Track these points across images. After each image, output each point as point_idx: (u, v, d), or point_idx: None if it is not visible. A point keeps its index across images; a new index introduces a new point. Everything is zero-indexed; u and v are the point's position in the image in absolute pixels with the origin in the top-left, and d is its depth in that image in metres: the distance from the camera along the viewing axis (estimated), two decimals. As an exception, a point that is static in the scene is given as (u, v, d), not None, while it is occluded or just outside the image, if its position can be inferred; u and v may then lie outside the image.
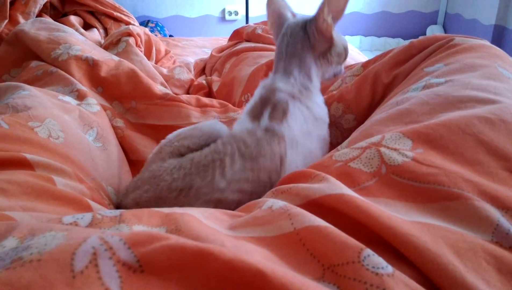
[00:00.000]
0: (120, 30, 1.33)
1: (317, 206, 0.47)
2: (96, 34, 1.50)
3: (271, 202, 0.48)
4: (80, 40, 1.14)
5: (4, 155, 0.60)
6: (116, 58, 1.11)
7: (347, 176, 0.51)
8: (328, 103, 0.83)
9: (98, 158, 0.80)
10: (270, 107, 0.71)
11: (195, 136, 0.73)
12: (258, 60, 1.23)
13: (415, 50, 0.75)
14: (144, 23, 3.13)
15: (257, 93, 0.76)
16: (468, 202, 0.43)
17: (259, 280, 0.31)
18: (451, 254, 0.37)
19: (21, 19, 1.39)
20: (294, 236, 0.40)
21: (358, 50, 1.90)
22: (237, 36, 1.56)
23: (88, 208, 0.59)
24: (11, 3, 1.45)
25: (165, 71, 1.30)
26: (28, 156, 0.62)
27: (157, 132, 0.92)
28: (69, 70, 1.00)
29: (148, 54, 1.42)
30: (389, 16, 3.45)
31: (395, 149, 0.51)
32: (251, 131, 0.69)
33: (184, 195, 0.63)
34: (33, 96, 0.81)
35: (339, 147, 0.62)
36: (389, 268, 0.35)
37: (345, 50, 0.79)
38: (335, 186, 0.47)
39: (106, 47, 1.30)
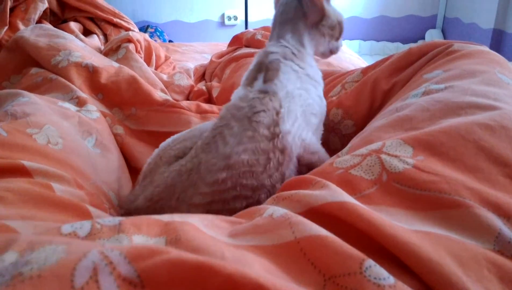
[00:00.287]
0: (120, 37, 1.33)
1: (319, 213, 0.46)
2: (96, 40, 1.51)
3: (272, 210, 0.48)
4: (80, 47, 1.14)
5: (2, 163, 0.60)
6: (116, 64, 1.11)
7: (348, 183, 0.51)
8: (327, 109, 0.83)
9: (98, 163, 0.80)
10: (264, 71, 0.74)
11: (196, 136, 0.73)
12: (257, 66, 1.23)
13: (414, 56, 0.75)
14: (143, 28, 3.14)
15: (253, 61, 0.79)
16: (470, 210, 0.43)
17: (259, 294, 0.30)
18: (453, 263, 0.37)
19: (21, 26, 1.40)
20: (295, 245, 0.40)
21: (357, 55, 1.90)
22: (237, 41, 1.56)
23: (87, 214, 0.58)
24: (11, 10, 1.46)
25: (165, 77, 1.30)
26: (26, 163, 0.62)
27: (157, 139, 0.92)
28: (69, 76, 1.00)
29: (148, 60, 1.42)
30: (388, 21, 3.47)
31: (396, 156, 0.51)
32: (243, 96, 0.71)
33: (195, 172, 0.65)
34: (32, 103, 0.81)
35: (339, 153, 0.62)
36: (391, 279, 0.34)
37: (339, 24, 0.81)
38: (336, 194, 0.47)
39: (106, 54, 1.30)
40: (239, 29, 3.32)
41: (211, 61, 1.50)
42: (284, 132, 0.67)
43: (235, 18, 3.38)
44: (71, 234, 0.40)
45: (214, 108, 1.05)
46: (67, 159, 0.71)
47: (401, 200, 0.47)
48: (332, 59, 1.52)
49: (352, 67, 1.49)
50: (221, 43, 2.10)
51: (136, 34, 1.38)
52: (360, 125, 0.75)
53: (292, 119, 0.69)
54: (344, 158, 0.55)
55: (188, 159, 0.67)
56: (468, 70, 0.65)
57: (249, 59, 1.31)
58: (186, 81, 1.31)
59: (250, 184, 0.64)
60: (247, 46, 1.48)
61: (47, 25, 1.34)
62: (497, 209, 0.43)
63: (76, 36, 1.40)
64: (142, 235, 0.41)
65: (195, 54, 1.93)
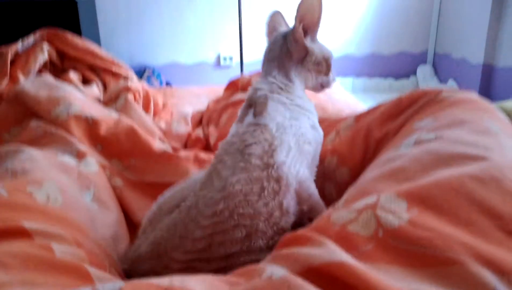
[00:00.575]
0: (119, 87, 1.37)
1: (317, 273, 0.47)
2: (94, 89, 1.54)
3: (271, 271, 0.48)
4: (80, 98, 1.17)
5: (3, 226, 0.61)
6: (115, 115, 1.13)
7: (345, 240, 0.52)
8: (322, 157, 0.85)
9: (96, 218, 0.81)
10: (253, 106, 0.78)
11: (196, 180, 0.75)
12: (253, 111, 1.25)
13: (404, 105, 0.77)
14: (141, 71, 3.20)
15: (245, 98, 0.83)
16: (464, 267, 0.43)
17: None
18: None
19: (21, 77, 1.43)
20: (295, 310, 0.40)
21: (352, 96, 1.94)
22: (233, 86, 1.60)
23: (87, 276, 0.59)
24: (12, 61, 1.49)
25: (163, 125, 1.32)
26: (27, 224, 0.63)
27: (156, 190, 0.93)
28: (69, 129, 1.03)
29: (146, 108, 1.45)
30: (380, 58, 3.56)
31: (390, 211, 0.52)
32: (235, 132, 0.75)
33: (194, 208, 0.68)
34: (32, 159, 0.83)
35: (335, 204, 0.63)
36: None
37: (325, 60, 0.85)
38: (334, 253, 0.48)
39: (106, 103, 1.33)
40: (235, 69, 3.39)
41: (208, 107, 1.53)
42: (278, 163, 0.69)
43: (231, 59, 3.46)
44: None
45: (212, 157, 1.06)
46: (66, 216, 0.72)
47: (398, 257, 0.48)
48: (328, 101, 1.56)
49: (347, 109, 1.52)
50: (217, 86, 2.15)
51: (134, 83, 1.41)
52: (355, 173, 0.77)
53: (286, 149, 0.71)
54: (340, 214, 0.56)
55: (188, 199, 0.70)
56: (457, 119, 0.67)
57: (245, 104, 1.34)
58: (184, 128, 1.33)
59: (247, 213, 0.66)
60: (243, 91, 1.52)
61: (47, 77, 1.37)
62: (491, 264, 0.44)
63: (76, 86, 1.43)
64: (143, 303, 0.41)
65: (192, 98, 1.96)
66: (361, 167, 0.76)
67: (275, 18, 0.91)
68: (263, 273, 0.48)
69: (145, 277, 0.69)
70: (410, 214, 0.51)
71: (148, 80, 3.11)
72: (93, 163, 0.94)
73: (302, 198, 0.73)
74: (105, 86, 1.62)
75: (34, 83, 1.21)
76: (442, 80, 3.44)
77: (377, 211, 0.52)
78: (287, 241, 0.58)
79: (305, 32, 0.81)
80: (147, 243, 0.71)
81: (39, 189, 0.74)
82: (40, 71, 1.54)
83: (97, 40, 3.15)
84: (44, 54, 1.53)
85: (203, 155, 1.05)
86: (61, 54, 1.65)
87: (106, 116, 1.10)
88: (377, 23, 3.47)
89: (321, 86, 0.87)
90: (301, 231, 0.58)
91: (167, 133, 1.27)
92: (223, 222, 0.66)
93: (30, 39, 1.57)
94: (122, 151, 1.02)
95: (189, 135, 1.33)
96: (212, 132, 1.30)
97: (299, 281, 0.43)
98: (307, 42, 0.82)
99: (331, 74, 0.87)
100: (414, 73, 3.60)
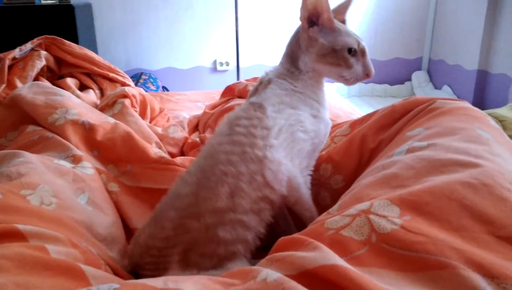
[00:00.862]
0: (115, 92, 1.37)
1: (311, 276, 0.48)
2: (92, 95, 1.55)
3: (266, 273, 0.49)
4: (77, 104, 1.17)
5: None
6: (112, 120, 1.14)
7: (339, 244, 0.53)
8: (317, 164, 0.86)
9: (93, 220, 0.82)
10: (259, 87, 0.85)
11: None
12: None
13: (398, 114, 0.79)
14: (137, 75, 3.21)
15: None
16: (455, 271, 0.45)
17: None
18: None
19: (18, 83, 1.43)
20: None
21: (347, 100, 1.96)
22: (229, 92, 1.61)
23: (82, 275, 0.59)
24: (9, 67, 1.50)
25: (159, 130, 1.33)
26: (21, 227, 0.64)
27: (152, 197, 0.94)
28: (66, 134, 1.03)
29: (143, 114, 1.45)
30: (375, 64, 3.51)
31: (384, 217, 0.53)
32: (236, 110, 0.82)
33: (185, 172, 0.77)
34: (27, 162, 0.83)
35: (330, 210, 0.64)
36: None
37: (335, 51, 0.81)
38: (328, 256, 0.49)
39: (102, 109, 1.33)
40: (231, 74, 3.40)
41: (204, 112, 1.54)
42: (266, 141, 0.74)
43: (227, 63, 3.47)
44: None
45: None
46: (61, 218, 0.73)
47: (390, 261, 0.49)
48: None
49: (342, 114, 1.54)
50: (214, 91, 2.16)
51: (131, 89, 1.42)
52: (349, 180, 0.78)
53: (276, 131, 0.76)
54: (334, 219, 0.57)
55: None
56: (448, 127, 0.68)
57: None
58: (180, 134, 1.34)
59: (229, 171, 0.72)
60: (239, 97, 1.53)
61: (45, 82, 1.38)
62: (482, 269, 0.45)
63: (73, 92, 1.44)
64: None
65: (189, 103, 1.97)
66: (355, 175, 0.77)
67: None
68: (258, 275, 0.49)
69: (145, 270, 0.71)
70: (403, 219, 0.52)
71: (145, 85, 3.11)
72: (89, 166, 0.94)
73: (290, 187, 0.77)
74: (102, 92, 1.62)
75: (31, 89, 1.21)
76: (437, 86, 3.47)
77: (371, 216, 0.54)
78: (282, 244, 0.59)
79: (314, 22, 0.82)
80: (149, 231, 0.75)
81: (33, 193, 0.75)
82: (37, 78, 1.54)
83: (93, 44, 3.16)
84: (41, 60, 1.54)
85: (199, 160, 1.06)
86: (59, 61, 1.65)
87: (103, 122, 1.10)
88: (373, 30, 3.50)
89: (344, 79, 0.82)
90: (295, 235, 0.59)
91: (163, 138, 1.28)
92: (207, 177, 0.73)
93: (28, 45, 1.58)
94: (118, 157, 1.03)
95: (185, 140, 1.34)
96: (209, 137, 1.31)
97: (294, 283, 0.44)
98: (312, 32, 0.82)
99: (355, 67, 0.82)
100: (409, 79, 3.63)
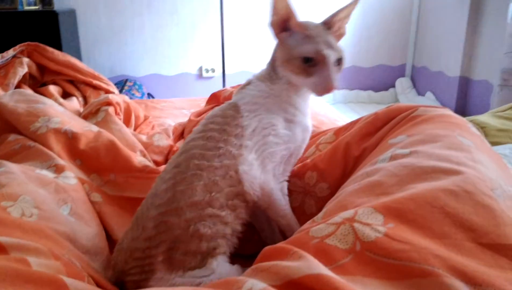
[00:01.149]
0: (99, 100, 1.36)
1: (296, 286, 0.48)
2: (75, 102, 1.53)
3: (251, 284, 0.49)
4: (59, 112, 1.15)
5: None
6: (95, 128, 1.12)
7: (324, 253, 0.53)
8: (302, 172, 0.86)
9: (75, 231, 0.80)
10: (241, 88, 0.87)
11: None
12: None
13: (381, 122, 0.79)
14: (122, 82, 3.19)
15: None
16: (439, 279, 0.45)
17: None
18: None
19: (0, 91, 1.41)
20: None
21: (333, 107, 1.97)
22: (214, 99, 1.60)
23: (64, 288, 0.58)
24: (-10, 75, 1.48)
25: (144, 138, 1.32)
26: (2, 239, 0.63)
27: (136, 206, 0.91)
28: (48, 143, 1.01)
29: (127, 121, 1.44)
30: (360, 70, 3.62)
31: (367, 225, 0.53)
32: (214, 109, 0.85)
33: (163, 171, 0.80)
34: (8, 173, 0.82)
35: (315, 218, 0.64)
36: None
37: (293, 59, 0.78)
38: (313, 266, 0.49)
39: (86, 117, 1.31)
40: (217, 81, 3.40)
41: (189, 119, 1.53)
42: (241, 141, 0.76)
43: (213, 70, 3.47)
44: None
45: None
46: (43, 229, 0.72)
47: (375, 269, 0.49)
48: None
49: (327, 121, 1.55)
50: (199, 98, 2.15)
51: (115, 96, 1.41)
52: (335, 188, 0.78)
53: (249, 132, 0.77)
54: (319, 227, 0.57)
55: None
56: (430, 135, 0.69)
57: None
58: (165, 141, 1.33)
59: (203, 165, 0.74)
60: (224, 104, 1.53)
61: (27, 90, 1.36)
62: (465, 276, 0.45)
63: (56, 99, 1.42)
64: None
65: (174, 110, 1.96)
66: (340, 183, 0.77)
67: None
68: (243, 285, 0.49)
69: (130, 275, 0.70)
70: (387, 227, 0.52)
71: (129, 92, 3.09)
72: (72, 176, 0.93)
73: (262, 192, 0.78)
74: (85, 100, 1.60)
75: (13, 97, 1.19)
76: (420, 92, 3.52)
77: (355, 224, 0.54)
78: (267, 254, 0.58)
79: (286, 27, 0.79)
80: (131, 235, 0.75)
81: (14, 205, 0.73)
82: (19, 85, 1.52)
83: (77, 51, 3.13)
84: (24, 67, 1.52)
85: (184, 168, 1.05)
86: (41, 68, 1.63)
87: (86, 130, 1.09)
88: (357, 38, 3.55)
89: (310, 88, 0.79)
90: (280, 244, 0.59)
91: (148, 146, 1.27)
92: (183, 172, 0.74)
93: (10, 52, 1.56)
94: (101, 166, 1.01)
95: (171, 147, 1.33)
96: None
97: (278, 295, 0.44)
98: (282, 37, 0.80)
99: (314, 77, 0.76)
100: (393, 85, 3.68)
